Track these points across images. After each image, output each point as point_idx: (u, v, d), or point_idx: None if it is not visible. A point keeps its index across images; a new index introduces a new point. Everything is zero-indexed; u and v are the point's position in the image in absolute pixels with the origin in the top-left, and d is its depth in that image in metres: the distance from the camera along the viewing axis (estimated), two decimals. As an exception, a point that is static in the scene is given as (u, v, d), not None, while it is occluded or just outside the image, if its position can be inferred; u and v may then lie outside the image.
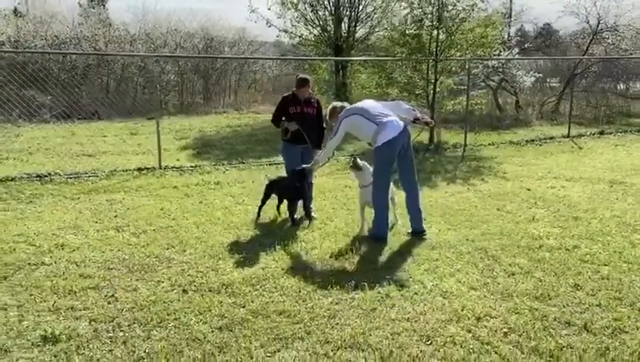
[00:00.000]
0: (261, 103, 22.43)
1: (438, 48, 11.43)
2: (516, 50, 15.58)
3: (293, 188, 5.82)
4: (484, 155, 10.74)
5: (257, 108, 21.43)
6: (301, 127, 6.09)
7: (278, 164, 9.70)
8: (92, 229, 5.72)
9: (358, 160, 5.75)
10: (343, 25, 17.27)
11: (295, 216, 5.91)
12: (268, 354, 3.23)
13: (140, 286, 4.25)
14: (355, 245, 5.13)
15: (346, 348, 3.28)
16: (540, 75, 16.66)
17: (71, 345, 3.33)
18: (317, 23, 17.65)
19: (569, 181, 8.17)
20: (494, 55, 12.92)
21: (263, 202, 6.20)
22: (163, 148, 9.78)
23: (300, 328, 3.53)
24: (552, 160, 10.12)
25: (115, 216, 6.26)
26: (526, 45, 17.67)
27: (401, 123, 5.29)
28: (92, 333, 3.48)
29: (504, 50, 14.09)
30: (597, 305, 3.83)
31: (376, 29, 17.39)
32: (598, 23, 17.61)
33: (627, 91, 17.55)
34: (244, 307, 3.85)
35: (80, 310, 3.81)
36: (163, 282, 4.33)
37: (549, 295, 4.01)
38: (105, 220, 6.09)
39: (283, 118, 6.24)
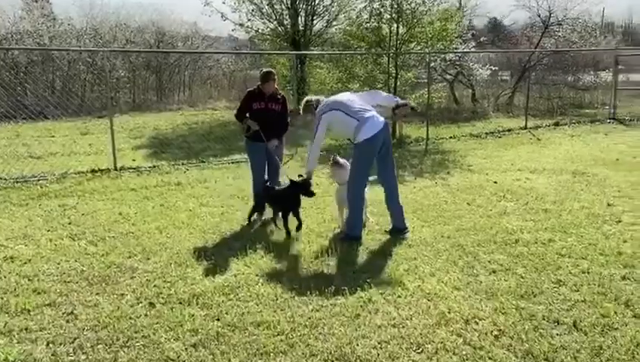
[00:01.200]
0: (217, 99, 21.90)
1: (398, 42, 11.35)
2: (472, 43, 15.73)
3: (292, 198, 5.35)
4: (446, 148, 10.74)
5: (214, 104, 20.90)
6: (264, 123, 5.78)
7: (240, 162, 9.41)
8: (44, 238, 5.29)
9: (339, 157, 5.51)
10: (299, 18, 17.00)
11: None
12: (250, 372, 2.98)
13: (101, 300, 3.90)
14: (330, 246, 4.92)
15: (333, 360, 3.06)
16: (497, 68, 16.90)
17: (28, 372, 2.98)
18: (273, 16, 17.31)
19: (533, 173, 8.23)
20: (453, 49, 12.97)
21: (255, 210, 5.79)
22: (117, 147, 9.28)
23: (282, 340, 3.29)
24: (514, 152, 10.22)
25: (69, 223, 5.82)
26: (482, 39, 17.90)
27: (382, 119, 5.09)
28: (51, 358, 3.13)
29: (461, 43, 14.20)
30: (582, 301, 3.76)
31: (334, 23, 17.24)
32: (549, 16, 18.02)
33: (577, 83, 18.03)
34: (218, 319, 3.57)
35: (36, 331, 3.44)
36: (127, 295, 3.99)
37: (533, 292, 3.92)
38: (58, 228, 5.65)
39: (247, 114, 5.91)
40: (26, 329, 3.46)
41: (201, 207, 6.48)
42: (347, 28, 11.91)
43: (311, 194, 5.30)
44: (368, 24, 11.36)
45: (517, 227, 5.49)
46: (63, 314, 3.69)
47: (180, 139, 12.67)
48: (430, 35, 11.28)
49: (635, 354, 3.05)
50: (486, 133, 12.48)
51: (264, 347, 3.22)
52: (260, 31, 18.14)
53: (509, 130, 12.86)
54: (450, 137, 12.00)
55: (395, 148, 10.79)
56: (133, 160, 9.80)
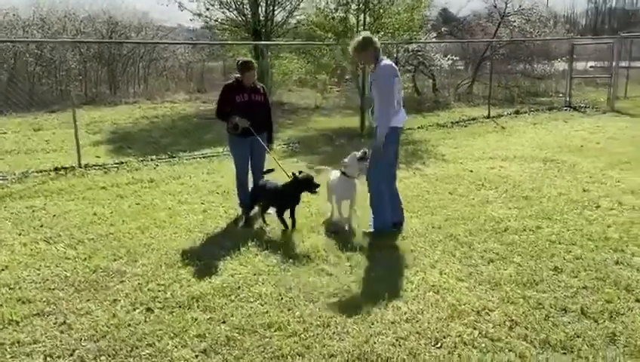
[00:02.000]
0: (175, 92, 21.29)
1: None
2: (433, 34, 15.89)
3: (292, 195, 5.20)
4: (416, 139, 10.81)
5: (172, 97, 20.30)
6: (249, 116, 5.47)
7: (212, 156, 9.17)
8: (17, 243, 4.95)
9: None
10: (260, 8, 16.69)
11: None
12: (270, 377, 2.86)
13: (93, 308, 3.67)
14: (323, 241, 4.83)
15: (353, 360, 2.98)
16: (457, 57, 17.16)
17: (28, 391, 2.76)
18: (233, 5, 16.94)
19: (505, 161, 8.38)
20: (417, 39, 13.04)
21: (251, 208, 5.60)
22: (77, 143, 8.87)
23: (296, 342, 3.18)
24: (482, 140, 10.39)
25: (41, 226, 5.48)
26: (442, 29, 18.12)
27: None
28: (51, 373, 2.92)
29: (424, 34, 14.31)
30: (584, 288, 3.82)
31: (295, 13, 17.02)
32: (505, 6, 18.41)
33: (533, 72, 18.55)
34: (224, 323, 3.43)
35: (29, 344, 3.20)
36: (120, 301, 3.78)
37: (534, 280, 3.96)
38: (30, 231, 5.31)
39: (229, 109, 5.58)
40: (18, 342, 3.22)
41: (181, 204, 6.24)
42: (313, 18, 11.72)
43: (315, 187, 5.11)
44: (335, 14, 11.24)
45: (503, 215, 5.55)
46: (55, 324, 3.45)
47: (143, 133, 12.23)
48: (397, 26, 11.28)
49: (649, 339, 3.11)
50: (452, 123, 12.64)
51: (279, 349, 3.10)
52: (219, 21, 17.74)
53: (473, 119, 13.08)
54: (419, 127, 12.08)
55: (365, 139, 10.88)
56: (97, 156, 9.38)
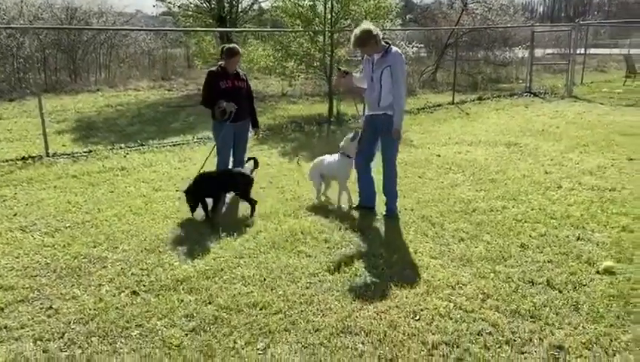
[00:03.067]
0: (138, 80, 20.92)
1: (333, 19, 11.39)
2: (399, 21, 16.08)
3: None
4: (385, 125, 10.99)
5: (136, 85, 19.94)
6: (234, 102, 5.53)
7: (182, 144, 9.15)
8: (-8, 232, 4.90)
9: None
10: (225, -6, 16.58)
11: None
12: (259, 352, 2.99)
13: (78, 293, 3.71)
14: (299, 225, 4.95)
15: (338, 334, 3.14)
16: (422, 45, 17.44)
17: (22, 373, 2.81)
18: (197, -9, 16.77)
19: (470, 145, 8.66)
20: (384, 26, 13.18)
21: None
22: (40, 132, 8.71)
23: (282, 319, 3.32)
24: (448, 126, 10.67)
25: (15, 215, 5.42)
26: (407, 17, 18.34)
27: None
28: (43, 355, 2.97)
29: (390, 21, 14.46)
30: (549, 262, 4.08)
31: (261, 0, 16.97)
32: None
33: (495, 59, 19.03)
34: (210, 303, 3.53)
35: (17, 328, 3.23)
36: (104, 285, 3.83)
37: (503, 256, 4.20)
38: (3, 220, 5.25)
39: (214, 95, 5.55)
40: (5, 327, 3.25)
41: (156, 191, 6.25)
42: (280, 4, 11.71)
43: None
44: (303, 1, 11.27)
45: (471, 197, 5.80)
46: (42, 309, 3.48)
47: (109, 122, 12.04)
48: (365, 13, 11.40)
49: (610, 306, 3.37)
50: (418, 109, 12.90)
51: (266, 326, 3.23)
52: (182, 6, 17.50)
53: (438, 106, 13.38)
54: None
55: (334, 125, 11.03)
56: (64, 145, 9.23)
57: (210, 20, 16.96)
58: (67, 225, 5.11)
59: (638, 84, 16.93)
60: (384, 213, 5.25)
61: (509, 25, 19.02)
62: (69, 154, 8.34)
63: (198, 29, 17.03)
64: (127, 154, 8.49)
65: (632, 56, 18.51)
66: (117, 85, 19.87)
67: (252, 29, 15.71)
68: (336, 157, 5.53)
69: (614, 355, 2.89)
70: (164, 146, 9.02)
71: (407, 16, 18.43)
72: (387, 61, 4.86)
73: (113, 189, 6.38)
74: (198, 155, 8.22)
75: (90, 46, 21.25)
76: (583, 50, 18.44)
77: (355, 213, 5.34)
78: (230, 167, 5.83)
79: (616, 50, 25.16)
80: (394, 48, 4.92)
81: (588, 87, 16.69)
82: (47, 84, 19.19)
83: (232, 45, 5.73)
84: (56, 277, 3.96)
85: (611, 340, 3.02)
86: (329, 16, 11.26)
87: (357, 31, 4.86)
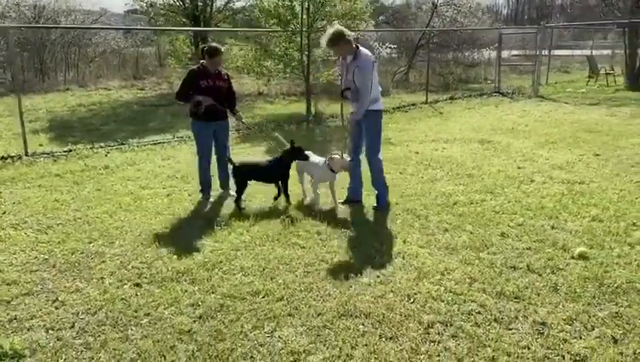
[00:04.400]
0: (109, 79, 20.67)
1: (310, 19, 11.59)
2: (372, 22, 16.39)
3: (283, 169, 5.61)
4: (361, 123, 11.24)
5: (106, 84, 19.70)
6: (215, 101, 5.65)
7: (163, 143, 9.20)
8: (-18, 230, 4.92)
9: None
10: (199, -7, 16.59)
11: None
12: (267, 335, 3.16)
13: (82, 286, 3.80)
14: (292, 218, 5.13)
15: (340, 317, 3.33)
16: (395, 46, 17.79)
17: (41, 358, 2.90)
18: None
19: (446, 143, 8.98)
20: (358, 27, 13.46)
21: (241, 191, 5.58)
22: (16, 132, 8.65)
23: (284, 305, 3.49)
24: (424, 124, 11.00)
25: (4, 213, 5.43)
26: (380, 18, 18.70)
27: None
28: (57, 342, 3.07)
29: (364, 22, 14.75)
30: (528, 249, 4.36)
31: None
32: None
33: (465, 60, 19.55)
34: (214, 293, 3.67)
35: (27, 319, 3.32)
36: (106, 278, 3.93)
37: (485, 245, 4.46)
38: (-8, 218, 5.27)
39: (191, 92, 5.61)
40: (15, 319, 3.33)
41: (143, 189, 6.32)
42: (259, 4, 11.83)
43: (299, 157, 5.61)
44: (281, 2, 11.43)
45: (451, 191, 6.08)
46: (48, 301, 3.57)
47: (84, 121, 11.98)
48: (341, 14, 11.64)
49: (586, 287, 3.67)
50: (393, 108, 13.19)
51: (270, 312, 3.40)
52: (155, 5, 17.43)
53: (412, 105, 13.72)
54: (362, 112, 12.53)
55: (314, 124, 11.23)
56: (40, 145, 9.15)
57: (184, 19, 16.95)
58: (58, 222, 5.16)
59: (600, 84, 17.68)
60: (375, 205, 5.48)
61: (477, 27, 19.57)
62: (48, 154, 8.30)
63: (178, 28, 16.97)
64: (109, 153, 8.50)
65: (594, 57, 19.29)
66: (87, 85, 19.60)
67: (229, 29, 15.73)
68: (321, 163, 5.60)
69: (593, 329, 3.17)
70: (144, 145, 9.05)
71: (379, 18, 18.74)
72: (356, 62, 5.17)
73: (99, 187, 6.42)
74: (181, 154, 8.31)
75: (58, 45, 20.87)
76: (547, 52, 19.12)
77: (342, 208, 5.53)
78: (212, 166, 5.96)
79: (578, 52, 26.11)
80: (362, 50, 5.20)
81: (553, 87, 17.35)
82: (14, 83, 18.78)
83: (214, 45, 5.80)
84: (56, 272, 4.03)
85: (589, 316, 3.30)
86: (305, 17, 11.45)
87: (329, 31, 5.14)
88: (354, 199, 5.67)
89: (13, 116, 11.93)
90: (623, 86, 17.04)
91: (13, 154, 8.12)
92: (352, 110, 5.57)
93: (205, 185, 5.97)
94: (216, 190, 6.06)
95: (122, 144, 9.09)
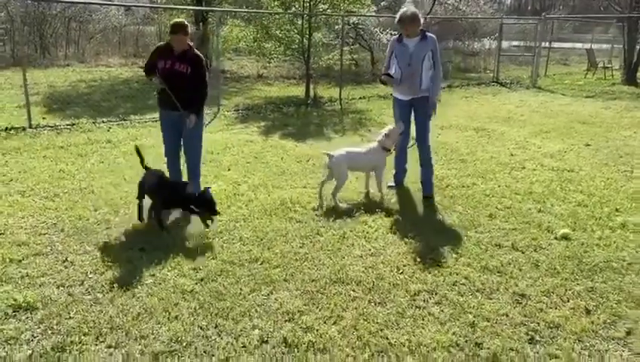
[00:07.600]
0: (109, 56, 20.71)
1: (311, 2, 11.70)
2: (374, 7, 16.46)
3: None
4: (360, 108, 11.43)
5: (107, 61, 19.77)
6: (170, 88, 4.68)
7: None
8: (-8, 195, 5.10)
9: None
10: (203, -28, 16.56)
11: None
12: (264, 297, 3.38)
13: (89, 249, 4.01)
14: (289, 194, 5.33)
15: (332, 283, 3.55)
16: (396, 32, 17.84)
17: (53, 310, 3.12)
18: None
19: (442, 129, 9.16)
20: (360, 11, 13.57)
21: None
22: (17, 105, 8.78)
23: (281, 271, 3.71)
24: (420, 111, 11.14)
25: (11, 180, 5.62)
26: (382, 4, 18.74)
27: None
28: (68, 297, 3.28)
29: (365, 7, 14.83)
30: (513, 229, 4.59)
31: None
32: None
33: (465, 49, 19.66)
34: (214, 259, 3.89)
35: (38, 277, 3.53)
36: (112, 243, 4.14)
37: (474, 225, 4.68)
38: (0, 185, 5.44)
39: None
40: (27, 276, 3.54)
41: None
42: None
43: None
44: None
45: (444, 174, 6.29)
46: (57, 261, 3.78)
47: (84, 96, 12.10)
48: (342, -2, 11.76)
49: (565, 265, 3.90)
50: (391, 94, 13.31)
51: (268, 277, 3.62)
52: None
53: (410, 92, 13.84)
54: (360, 98, 12.71)
55: (312, 108, 11.38)
56: (43, 118, 9.29)
57: (187, -1, 16.98)
58: (65, 191, 5.35)
59: (598, 77, 17.84)
60: (428, 194, 5.46)
61: (479, 16, 19.64)
62: (51, 127, 8.45)
63: (178, 7, 16.97)
64: (110, 128, 8.66)
65: (593, 50, 19.42)
66: (87, 61, 19.67)
67: (231, 9, 15.78)
68: (372, 149, 5.45)
69: (568, 301, 3.40)
70: (145, 122, 9.21)
71: (381, 3, 18.79)
72: (428, 45, 5.30)
73: (103, 160, 6.60)
74: (182, 131, 8.46)
75: (59, 20, 20.85)
76: (547, 44, 19.24)
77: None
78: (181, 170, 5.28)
79: (578, 45, 26.23)
80: (430, 34, 5.35)
81: (551, 79, 17.50)
82: (15, 57, 18.82)
83: (177, 21, 4.76)
84: (64, 236, 4.23)
85: (566, 290, 3.53)
86: (307, 0, 11.56)
87: (411, 9, 5.25)
88: (398, 182, 5.85)
89: (14, 89, 12.10)
90: (619, 80, 17.21)
91: (17, 125, 8.26)
92: (403, 97, 5.64)
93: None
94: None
95: (124, 120, 9.25)
